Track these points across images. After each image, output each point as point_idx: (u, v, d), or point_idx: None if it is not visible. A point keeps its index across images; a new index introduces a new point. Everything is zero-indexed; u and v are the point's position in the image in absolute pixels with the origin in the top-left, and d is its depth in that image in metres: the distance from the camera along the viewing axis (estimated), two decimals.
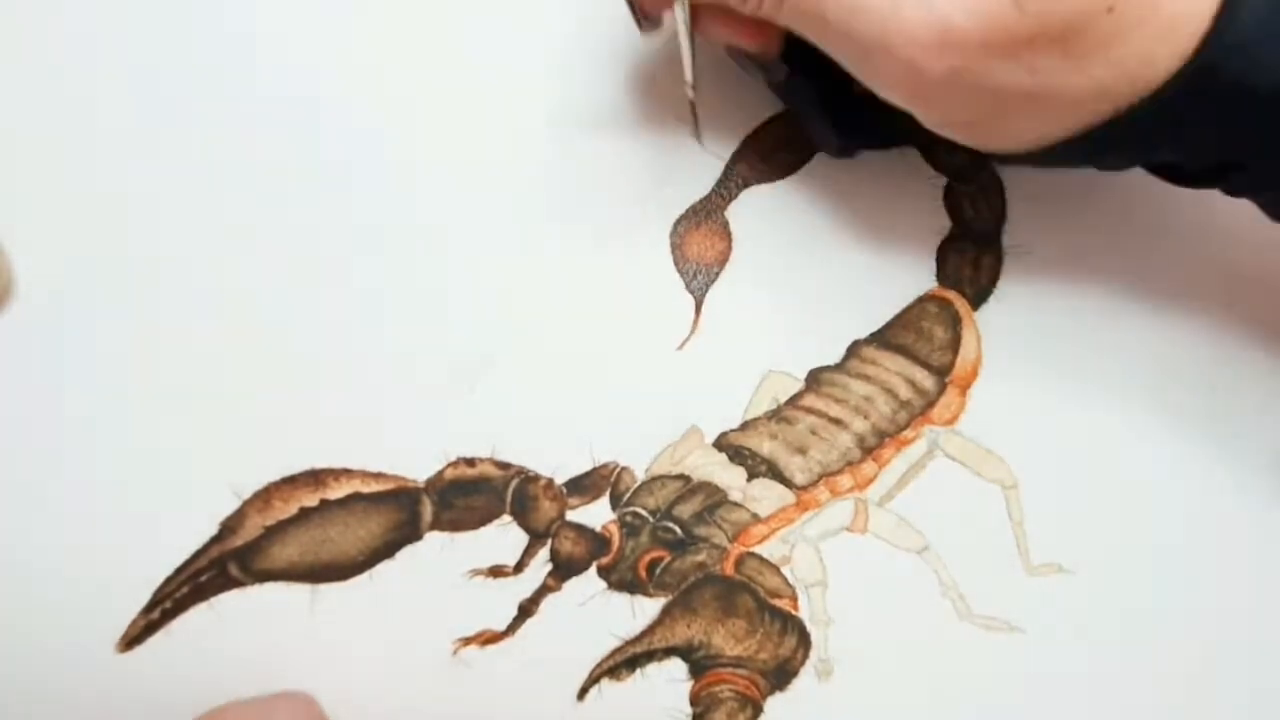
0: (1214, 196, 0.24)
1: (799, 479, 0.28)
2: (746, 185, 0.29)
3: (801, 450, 0.28)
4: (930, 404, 0.28)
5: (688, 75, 0.27)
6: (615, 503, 0.27)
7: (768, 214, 0.29)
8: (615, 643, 0.27)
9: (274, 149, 0.29)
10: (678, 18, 0.25)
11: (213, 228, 0.28)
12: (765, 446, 0.28)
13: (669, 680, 0.27)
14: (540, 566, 0.27)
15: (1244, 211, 0.24)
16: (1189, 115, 0.22)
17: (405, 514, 0.27)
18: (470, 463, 0.27)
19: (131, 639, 0.26)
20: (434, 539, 0.27)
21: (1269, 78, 0.21)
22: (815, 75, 0.25)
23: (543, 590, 0.27)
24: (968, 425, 0.28)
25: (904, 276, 0.28)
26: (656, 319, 0.28)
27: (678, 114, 0.29)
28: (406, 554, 0.27)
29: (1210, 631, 0.27)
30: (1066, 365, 0.28)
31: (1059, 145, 0.23)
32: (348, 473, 0.27)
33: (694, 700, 0.27)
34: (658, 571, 0.27)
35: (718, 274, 0.29)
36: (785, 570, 0.27)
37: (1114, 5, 0.21)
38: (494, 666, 0.26)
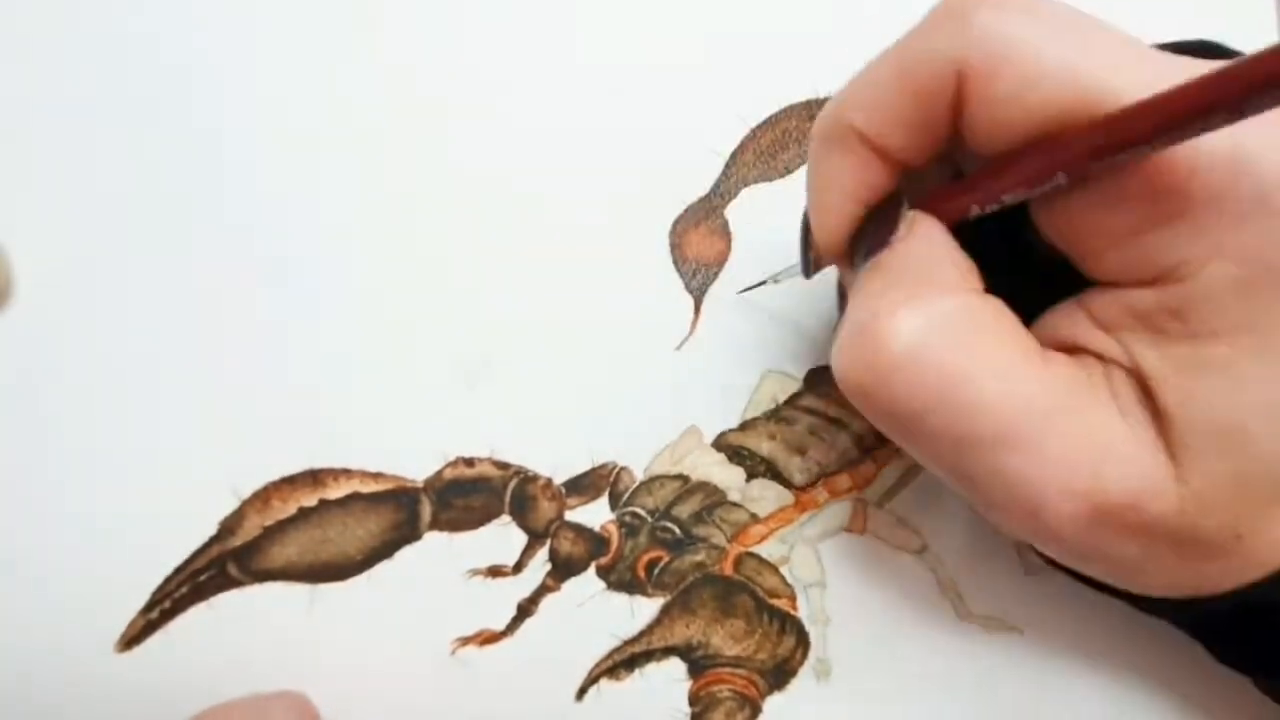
0: None
1: (798, 479, 0.28)
2: (746, 185, 0.29)
3: (800, 450, 0.28)
4: None
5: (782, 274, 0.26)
6: (614, 503, 0.27)
7: (768, 213, 0.29)
8: (614, 642, 0.27)
9: (274, 149, 0.29)
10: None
11: (212, 228, 0.28)
12: (764, 446, 0.28)
13: (668, 680, 0.27)
14: (539, 566, 0.27)
15: None
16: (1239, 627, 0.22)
17: (404, 514, 0.27)
18: (469, 463, 0.27)
19: (131, 639, 0.26)
20: (433, 539, 0.27)
21: None
22: None
23: (541, 590, 0.27)
24: None
25: None
26: (655, 319, 0.28)
27: (679, 113, 0.29)
28: (405, 554, 0.27)
29: None
30: None
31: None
32: (346, 473, 0.27)
33: (693, 700, 0.27)
34: (656, 571, 0.27)
35: (717, 273, 0.29)
36: (784, 570, 0.27)
37: (1242, 534, 0.20)
38: (493, 666, 0.26)
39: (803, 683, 0.27)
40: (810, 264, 0.25)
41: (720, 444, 0.28)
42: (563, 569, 0.27)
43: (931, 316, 0.20)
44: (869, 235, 0.21)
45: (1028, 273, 0.22)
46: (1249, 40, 0.30)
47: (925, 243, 0.21)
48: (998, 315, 0.20)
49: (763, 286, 0.28)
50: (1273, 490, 0.19)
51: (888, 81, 0.20)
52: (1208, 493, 0.19)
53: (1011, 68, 0.19)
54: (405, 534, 0.27)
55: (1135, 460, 0.19)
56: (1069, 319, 0.21)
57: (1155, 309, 0.19)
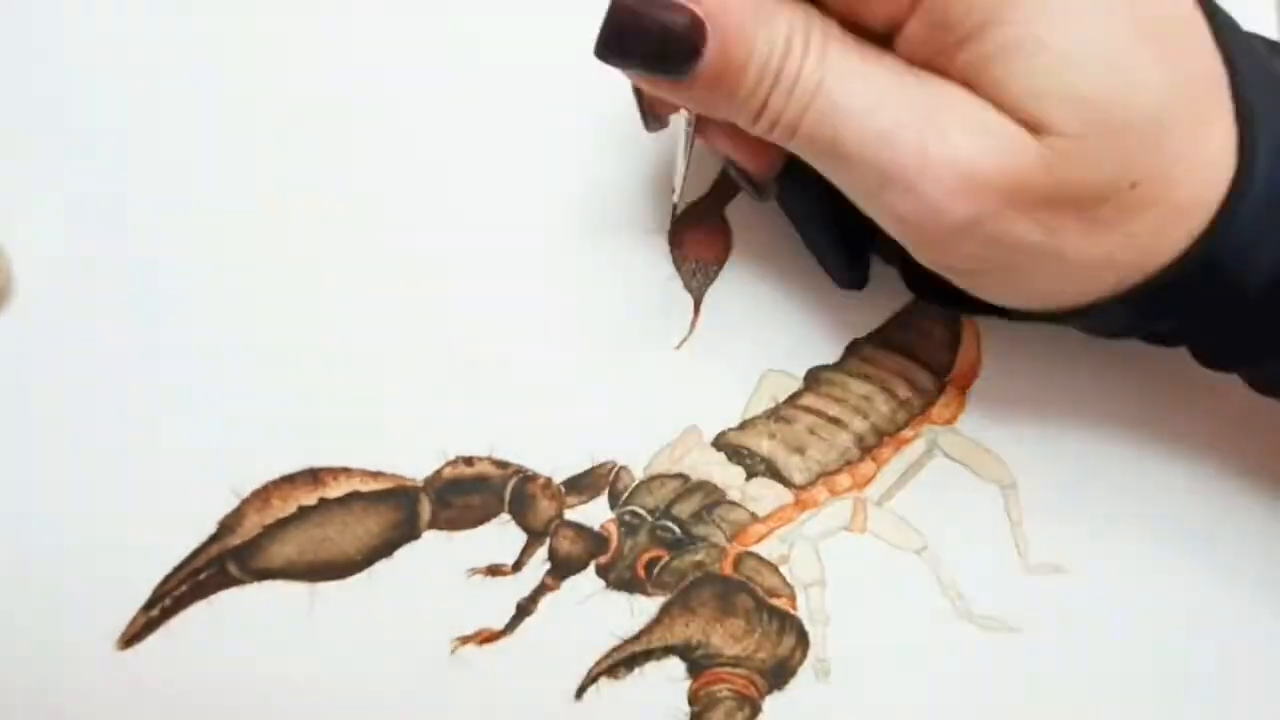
0: None
1: (798, 478, 0.28)
2: None
3: (800, 449, 0.28)
4: (929, 403, 0.28)
5: (677, 184, 0.27)
6: (614, 502, 0.27)
7: (767, 213, 0.29)
8: (614, 642, 0.27)
9: (274, 149, 0.29)
10: (681, 128, 0.25)
11: (212, 228, 0.28)
12: (764, 446, 0.28)
13: (667, 679, 0.27)
14: (538, 565, 0.27)
15: None
16: (1189, 304, 0.22)
17: (403, 513, 0.27)
18: (468, 461, 0.27)
19: (131, 637, 0.26)
20: (432, 538, 0.27)
21: (1256, 279, 0.21)
22: (813, 197, 0.25)
23: (541, 589, 0.27)
24: (967, 424, 0.28)
25: None
26: (655, 318, 0.28)
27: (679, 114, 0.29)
28: (405, 553, 0.27)
29: (1210, 631, 0.27)
30: (1066, 364, 0.28)
31: (1058, 312, 0.23)
32: (346, 471, 0.27)
33: (692, 699, 0.27)
34: (656, 571, 0.27)
35: (717, 273, 0.29)
36: (783, 569, 0.27)
37: (1137, 181, 0.20)
38: (492, 665, 0.26)
39: (802, 682, 0.27)
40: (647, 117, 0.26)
41: (720, 443, 0.28)
42: (562, 568, 0.27)
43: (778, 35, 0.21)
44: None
45: None
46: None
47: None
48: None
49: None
50: (1126, 119, 0.20)
51: None
52: (1066, 143, 0.20)
53: None
54: (405, 533, 0.27)
55: (990, 133, 0.20)
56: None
57: (928, 35, 0.20)
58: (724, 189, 0.29)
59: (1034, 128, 0.20)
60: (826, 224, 0.26)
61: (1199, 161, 0.20)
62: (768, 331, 0.28)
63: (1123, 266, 0.21)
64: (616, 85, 0.29)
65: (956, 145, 0.20)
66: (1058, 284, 0.22)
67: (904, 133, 0.20)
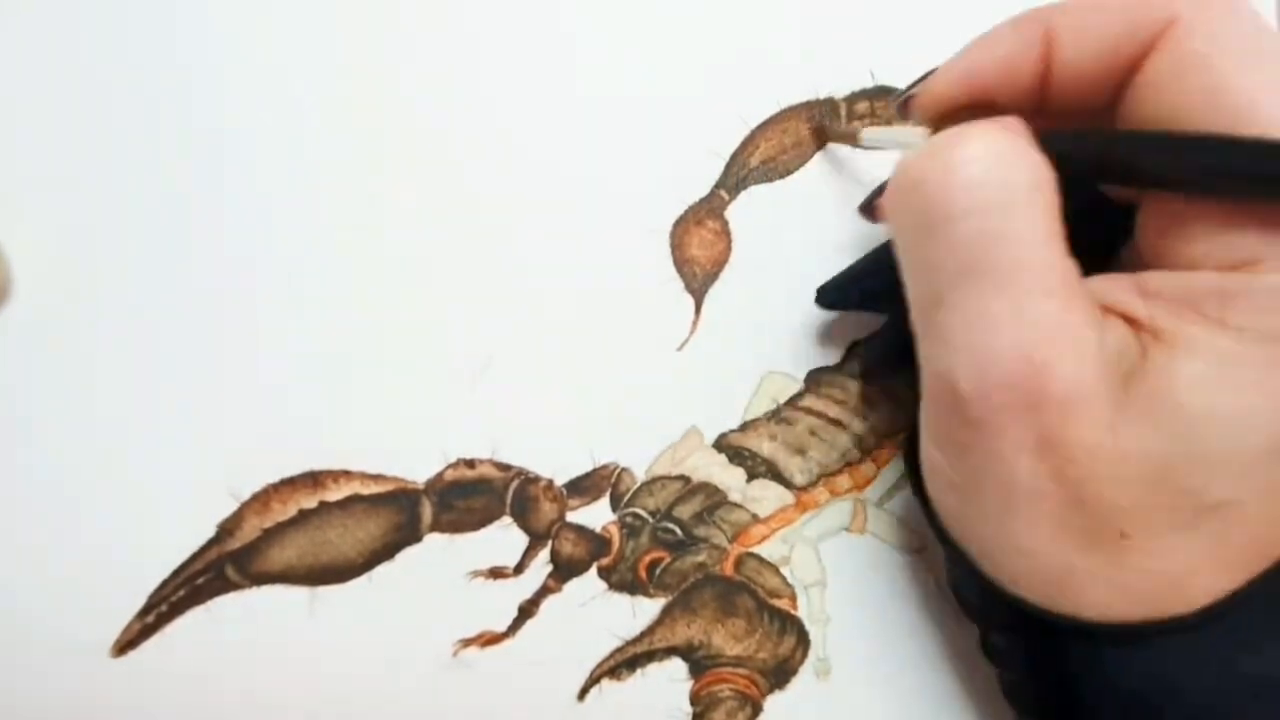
0: None
1: (798, 479, 0.28)
2: (746, 185, 0.29)
3: (801, 451, 0.28)
4: None
5: None
6: (615, 504, 0.27)
7: (768, 214, 0.29)
8: (616, 643, 0.27)
9: (274, 149, 0.28)
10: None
11: (212, 228, 0.28)
12: (765, 447, 0.28)
13: (669, 680, 0.27)
14: (540, 568, 0.27)
15: None
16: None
17: (405, 516, 0.27)
18: (470, 464, 0.27)
19: (126, 643, 0.26)
20: (434, 540, 0.27)
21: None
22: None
23: (543, 591, 0.27)
24: None
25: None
26: (656, 319, 0.28)
27: (679, 113, 0.29)
28: (406, 556, 0.27)
29: None
30: None
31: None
32: (346, 474, 0.27)
33: (694, 700, 0.27)
34: (658, 572, 0.27)
35: (717, 274, 0.29)
36: (784, 570, 0.27)
37: (1131, 536, 0.19)
38: (494, 667, 0.26)
39: (803, 682, 0.27)
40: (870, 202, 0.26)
41: (721, 445, 0.28)
42: (564, 570, 0.27)
43: (1016, 144, 0.20)
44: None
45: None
46: None
47: (1014, 120, 0.21)
48: (1055, 190, 0.20)
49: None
50: (1180, 504, 0.19)
51: (1106, 3, 0.21)
52: (1127, 460, 0.19)
53: (1214, 30, 0.20)
54: (406, 536, 0.27)
55: (1092, 381, 0.19)
56: (1113, 282, 0.21)
57: (1208, 291, 0.20)
58: (724, 190, 0.29)
59: (1125, 415, 0.19)
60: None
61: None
62: (768, 333, 0.28)
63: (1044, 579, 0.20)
64: (616, 85, 0.29)
65: (1055, 362, 0.19)
66: (984, 538, 0.21)
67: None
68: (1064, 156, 0.20)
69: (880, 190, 0.26)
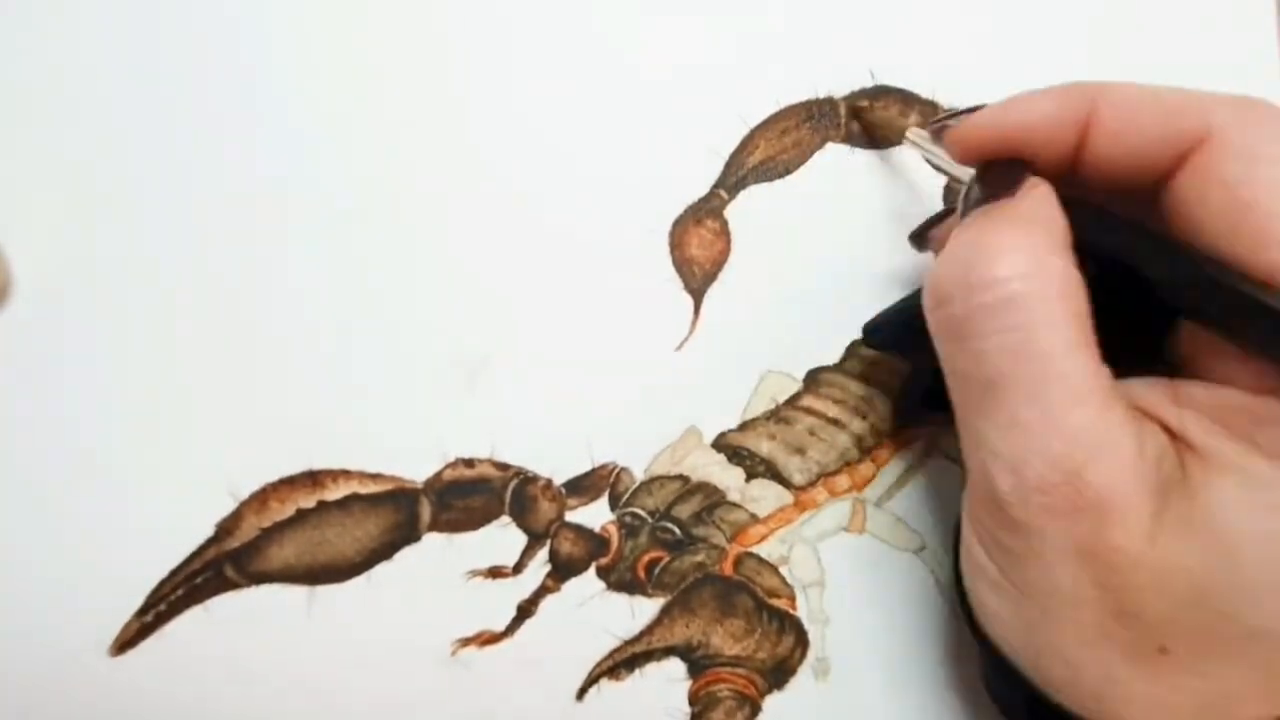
0: None
1: (797, 479, 0.28)
2: (746, 185, 0.29)
3: (800, 450, 0.28)
4: None
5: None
6: (614, 503, 0.27)
7: (767, 214, 0.29)
8: (614, 643, 0.27)
9: (274, 149, 0.28)
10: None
11: (212, 228, 0.28)
12: (764, 447, 0.28)
13: (668, 680, 0.27)
14: (539, 567, 0.27)
15: None
16: None
17: (403, 515, 0.27)
18: (469, 463, 0.27)
19: (124, 642, 0.26)
20: (432, 540, 0.27)
21: None
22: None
23: (542, 591, 0.27)
24: None
25: (903, 276, 0.28)
26: (655, 319, 0.28)
27: (678, 113, 0.29)
28: (404, 555, 0.27)
29: None
30: None
31: None
32: (345, 474, 0.27)
33: (693, 699, 0.27)
34: (656, 572, 0.27)
35: (716, 274, 0.29)
36: (783, 570, 0.27)
37: (1169, 650, 0.19)
38: (493, 667, 0.26)
39: (802, 682, 0.27)
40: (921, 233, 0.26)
41: (720, 444, 0.28)
42: (563, 569, 0.27)
43: (1038, 252, 0.20)
44: (988, 182, 0.22)
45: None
46: (1246, 42, 0.30)
47: (1046, 203, 0.21)
48: (1084, 296, 0.20)
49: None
50: (1221, 627, 0.19)
51: (1156, 95, 0.21)
52: (1166, 573, 0.19)
53: (1248, 151, 0.20)
54: (404, 535, 0.27)
55: (1131, 486, 0.19)
56: (1148, 387, 0.21)
57: (1242, 409, 0.20)
58: (724, 189, 0.29)
59: (1161, 527, 0.19)
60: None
61: None
62: (767, 332, 0.28)
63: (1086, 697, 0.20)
64: (615, 85, 0.29)
65: (1091, 465, 0.19)
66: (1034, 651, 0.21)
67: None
68: (1094, 244, 0.21)
69: (933, 222, 0.26)
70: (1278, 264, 0.19)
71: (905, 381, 0.28)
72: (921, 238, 0.27)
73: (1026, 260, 0.20)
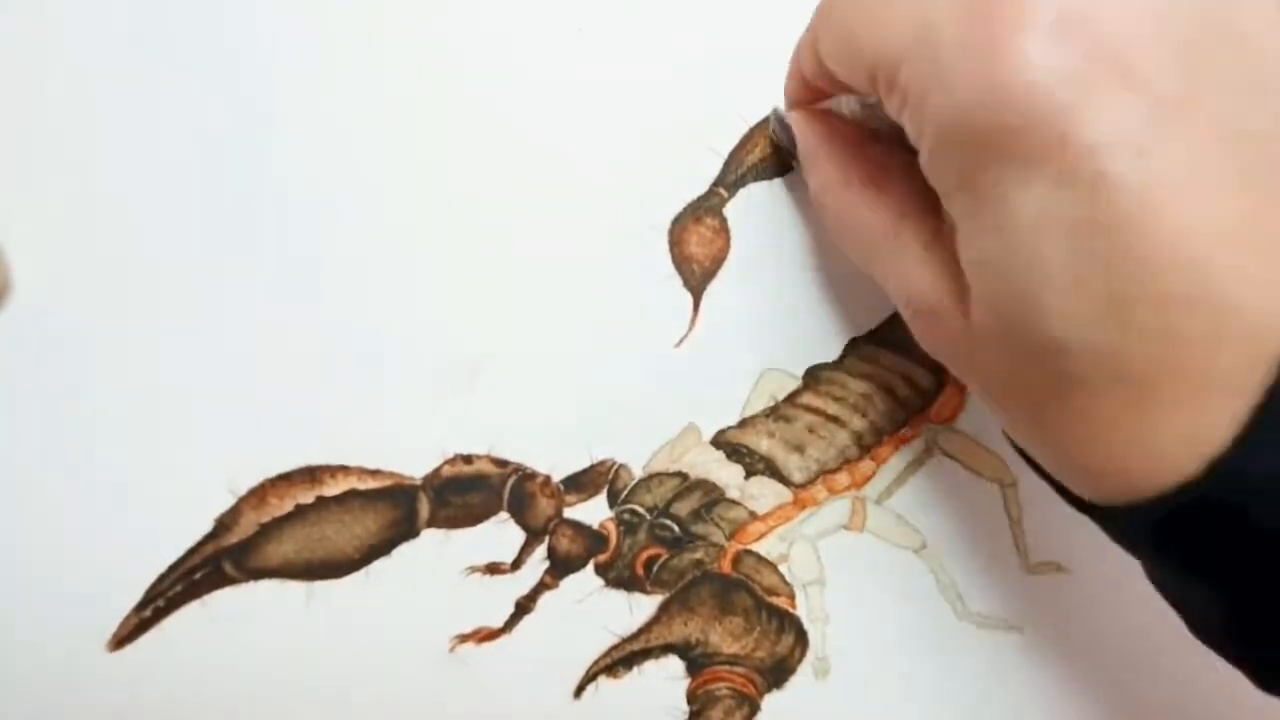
0: None
1: (797, 477, 0.28)
2: (746, 184, 0.29)
3: (799, 448, 0.28)
4: (929, 402, 0.28)
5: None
6: (613, 500, 0.27)
7: (766, 211, 0.29)
8: (612, 640, 0.27)
9: (273, 148, 0.29)
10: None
11: (211, 227, 0.28)
12: (763, 444, 0.28)
13: (666, 678, 0.27)
14: (537, 564, 0.27)
15: None
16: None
17: (402, 511, 0.27)
18: (467, 460, 0.27)
19: (122, 638, 0.26)
20: (431, 536, 0.27)
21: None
22: None
23: (540, 587, 0.27)
24: (966, 423, 0.28)
25: None
26: (654, 316, 0.28)
27: (678, 112, 0.29)
28: (403, 551, 0.27)
29: None
30: None
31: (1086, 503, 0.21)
32: (344, 469, 0.27)
33: (691, 698, 0.27)
34: (655, 569, 0.27)
35: (716, 272, 0.29)
36: (783, 568, 0.27)
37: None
38: (491, 664, 0.26)
39: (801, 681, 0.27)
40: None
41: (719, 441, 0.28)
42: (561, 566, 0.27)
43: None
44: None
45: None
46: None
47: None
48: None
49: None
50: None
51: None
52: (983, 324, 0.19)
53: None
54: (403, 531, 0.27)
55: (932, 283, 0.21)
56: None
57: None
58: (723, 187, 0.29)
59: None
60: None
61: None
62: (767, 330, 0.28)
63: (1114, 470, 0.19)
64: (615, 83, 0.29)
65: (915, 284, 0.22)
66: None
67: None
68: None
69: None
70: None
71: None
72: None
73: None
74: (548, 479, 0.27)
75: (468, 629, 0.26)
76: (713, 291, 0.28)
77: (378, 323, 0.28)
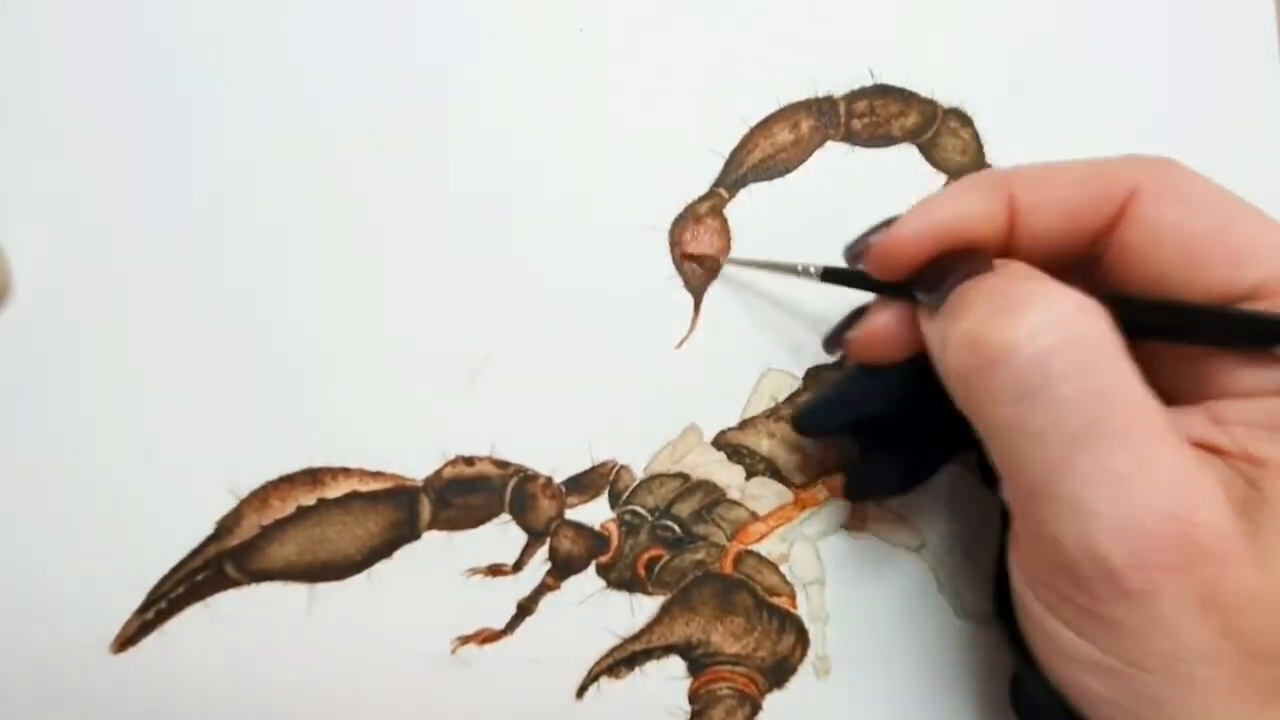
0: None
1: (797, 477, 0.28)
2: (746, 184, 0.29)
3: (800, 449, 0.28)
4: None
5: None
6: (614, 501, 0.27)
7: (767, 212, 0.29)
8: (614, 641, 0.27)
9: (274, 148, 0.28)
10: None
11: (212, 228, 0.28)
12: (764, 445, 0.28)
13: (668, 678, 0.27)
14: (539, 565, 0.27)
15: None
16: None
17: (403, 513, 0.27)
18: (469, 461, 0.27)
19: (125, 640, 0.26)
20: (432, 538, 0.27)
21: None
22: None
23: (541, 589, 0.27)
24: None
25: None
26: (655, 317, 0.28)
27: (678, 112, 0.29)
28: (404, 553, 0.27)
29: None
30: None
31: None
32: (345, 471, 0.27)
33: (692, 698, 0.27)
34: (656, 570, 0.27)
35: (716, 273, 0.29)
36: (784, 568, 0.27)
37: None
38: (493, 665, 0.26)
39: (802, 680, 0.27)
40: (834, 337, 0.25)
41: (720, 442, 0.28)
42: (563, 567, 0.27)
43: (1073, 298, 0.19)
44: (951, 270, 0.21)
45: None
46: (1246, 42, 0.30)
47: (1025, 270, 0.21)
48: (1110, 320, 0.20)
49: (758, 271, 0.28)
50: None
51: (1064, 170, 0.22)
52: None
53: (1181, 195, 0.21)
54: (404, 533, 0.27)
55: (1231, 524, 0.18)
56: (1186, 416, 0.21)
57: (1276, 410, 0.20)
58: (724, 188, 0.29)
59: (1263, 549, 0.19)
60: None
61: None
62: (768, 331, 0.28)
63: None
64: (616, 84, 0.29)
65: (1194, 511, 0.18)
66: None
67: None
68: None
69: (844, 326, 0.25)
70: (1263, 278, 0.20)
71: (855, 464, 0.27)
72: (834, 341, 0.25)
73: (1074, 301, 0.19)
74: (549, 480, 0.27)
75: (469, 630, 0.26)
76: (713, 292, 0.28)
77: (380, 324, 0.28)
